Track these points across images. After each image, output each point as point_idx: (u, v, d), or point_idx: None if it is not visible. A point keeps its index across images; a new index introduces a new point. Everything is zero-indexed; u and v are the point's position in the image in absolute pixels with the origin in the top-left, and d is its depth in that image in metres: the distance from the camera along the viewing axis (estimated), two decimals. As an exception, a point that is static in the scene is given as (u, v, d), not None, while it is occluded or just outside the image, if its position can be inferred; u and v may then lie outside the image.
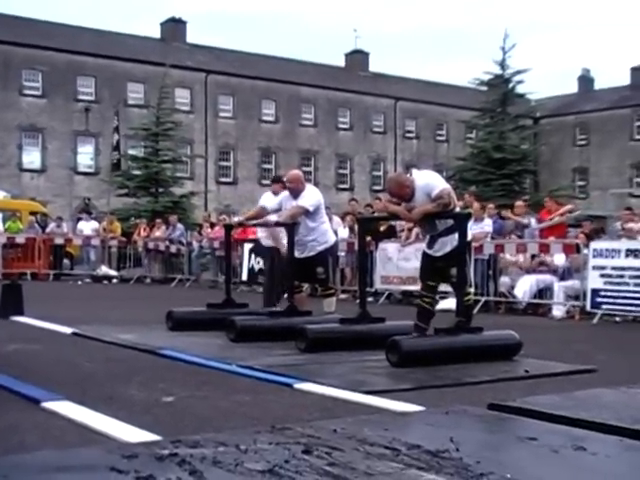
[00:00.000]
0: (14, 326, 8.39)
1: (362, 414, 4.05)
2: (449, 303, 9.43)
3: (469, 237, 6.72)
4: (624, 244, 10.69)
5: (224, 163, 41.54)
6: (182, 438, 3.26)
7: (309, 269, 7.97)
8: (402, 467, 2.90)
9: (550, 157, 40.64)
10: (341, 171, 45.01)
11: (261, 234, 10.19)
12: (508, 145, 28.76)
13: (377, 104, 45.78)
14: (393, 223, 13.05)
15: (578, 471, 3.02)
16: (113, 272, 19.63)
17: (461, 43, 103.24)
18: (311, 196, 8.05)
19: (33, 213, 22.46)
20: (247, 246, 16.36)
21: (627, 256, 10.35)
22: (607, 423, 3.64)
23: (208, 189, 38.06)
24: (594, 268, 10.65)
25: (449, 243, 6.45)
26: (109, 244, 20.16)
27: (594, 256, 10.68)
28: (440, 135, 48.19)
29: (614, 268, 10.44)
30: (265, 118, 42.59)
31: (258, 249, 14.27)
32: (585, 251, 10.99)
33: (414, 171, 6.79)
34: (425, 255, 6.75)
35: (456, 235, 6.30)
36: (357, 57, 48.96)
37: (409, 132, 47.36)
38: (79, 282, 18.87)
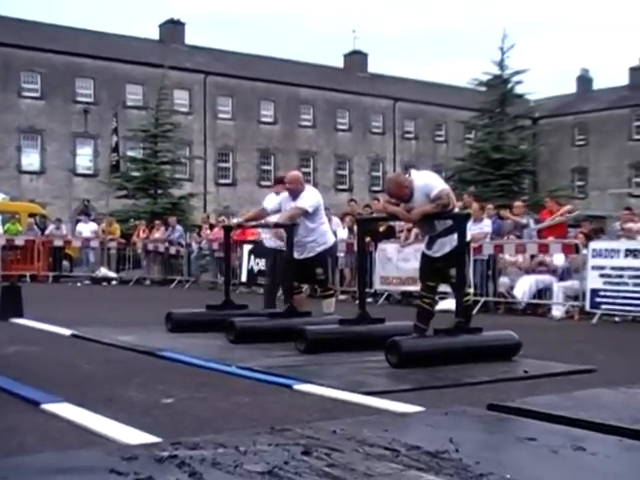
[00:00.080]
0: (13, 328, 8.39)
1: (361, 415, 4.05)
2: (448, 304, 9.43)
3: (468, 238, 6.72)
4: (623, 244, 10.70)
5: (223, 164, 41.55)
6: (182, 440, 3.26)
7: (308, 270, 7.97)
8: (402, 468, 2.90)
9: (549, 157, 40.65)
10: (340, 172, 45.03)
11: (264, 235, 10.18)
12: (507, 145, 28.75)
13: (376, 105, 45.80)
14: (392, 224, 13.06)
15: (577, 471, 3.02)
16: (112, 274, 19.63)
17: (460, 44, 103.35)
18: (310, 197, 8.06)
19: (32, 215, 22.49)
20: (246, 247, 16.37)
21: (626, 256, 10.36)
22: (606, 423, 3.64)
23: (207, 190, 38.06)
24: (593, 268, 10.65)
25: (448, 244, 6.45)
26: (108, 246, 20.16)
27: (593, 256, 10.69)
28: (439, 136, 48.21)
29: (613, 268, 10.44)
30: (264, 119, 42.61)
31: (261, 250, 14.26)
32: (584, 251, 11.00)
33: (413, 172, 6.79)
34: (424, 256, 6.75)
35: (455, 236, 6.30)
36: (356, 58, 48.99)
37: (408, 133, 47.38)
38: (78, 284, 18.87)
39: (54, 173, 36.78)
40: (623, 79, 49.94)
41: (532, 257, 12.04)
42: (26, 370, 5.48)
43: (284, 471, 2.81)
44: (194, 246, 18.54)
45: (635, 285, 10.17)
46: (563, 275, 11.51)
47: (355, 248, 11.54)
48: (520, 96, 31.11)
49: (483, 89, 31.03)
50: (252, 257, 16.17)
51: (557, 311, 11.17)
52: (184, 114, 37.79)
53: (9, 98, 35.80)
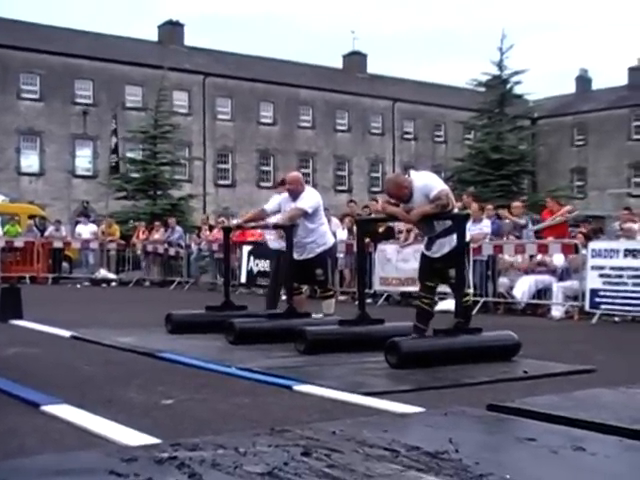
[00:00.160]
0: (13, 330, 8.39)
1: (361, 416, 4.05)
2: (448, 304, 9.43)
3: (467, 238, 6.72)
4: (622, 244, 10.70)
5: (222, 165, 41.56)
6: (181, 441, 3.26)
7: (308, 271, 7.98)
8: (401, 468, 2.90)
9: (548, 157, 40.66)
10: (339, 173, 45.03)
11: (269, 236, 10.19)
12: (506, 146, 28.76)
13: (375, 105, 45.81)
14: (391, 224, 13.06)
15: (577, 471, 3.02)
16: (112, 275, 19.63)
17: (459, 44, 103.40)
18: (310, 198, 8.06)
19: (32, 217, 22.48)
20: (246, 248, 16.37)
21: (626, 256, 10.36)
22: (606, 423, 3.65)
23: (206, 191, 38.06)
24: (593, 268, 10.65)
25: (447, 244, 6.45)
26: (108, 247, 20.16)
27: (593, 256, 10.69)
28: (438, 136, 48.22)
29: (613, 268, 10.44)
30: (263, 120, 42.61)
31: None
32: (584, 251, 11.00)
33: (412, 172, 6.79)
34: (423, 256, 6.75)
35: (454, 236, 6.31)
36: (355, 59, 49.01)
37: (407, 133, 47.38)
38: (78, 285, 18.86)
39: (53, 175, 36.78)
40: (622, 79, 50.03)
41: (531, 257, 12.04)
42: (26, 372, 5.48)
43: (284, 472, 2.82)
44: (194, 247, 18.54)
45: (634, 285, 10.17)
46: (562, 275, 11.51)
47: (354, 249, 11.54)
48: (519, 96, 31.12)
49: (482, 89, 31.05)
50: (252, 258, 16.17)
51: (557, 311, 11.17)
52: (183, 115, 37.78)
53: (8, 100, 35.79)
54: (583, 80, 52.67)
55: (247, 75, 41.24)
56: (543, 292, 11.59)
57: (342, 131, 45.21)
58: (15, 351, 6.59)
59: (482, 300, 11.78)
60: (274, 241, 9.76)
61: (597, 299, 10.53)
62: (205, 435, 3.50)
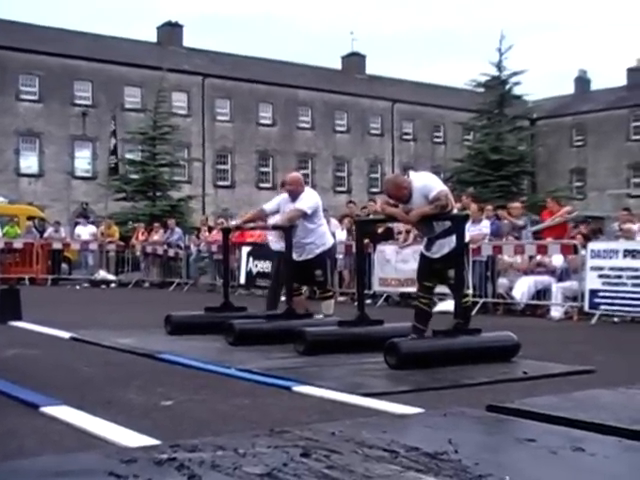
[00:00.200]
0: (12, 331, 8.38)
1: (360, 416, 4.05)
2: (447, 305, 9.43)
3: (467, 239, 6.72)
4: (622, 245, 10.70)
5: (221, 166, 41.56)
6: (181, 442, 3.26)
7: (307, 272, 7.99)
8: (401, 469, 2.90)
9: (547, 158, 40.68)
10: (338, 174, 45.04)
11: (271, 238, 10.19)
12: (505, 146, 28.75)
13: (374, 106, 45.82)
14: (391, 225, 13.05)
15: (577, 472, 3.02)
16: (111, 276, 19.62)
17: (458, 45, 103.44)
18: (309, 198, 8.07)
19: (31, 218, 22.46)
20: (245, 249, 16.36)
21: (625, 257, 10.36)
22: (606, 424, 3.65)
23: (206, 192, 38.04)
24: (592, 269, 10.66)
25: (447, 245, 6.45)
26: (107, 248, 20.15)
27: (592, 257, 10.69)
28: (437, 137, 48.24)
29: (612, 269, 10.44)
30: (262, 121, 42.61)
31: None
32: (583, 252, 11.00)
33: (411, 173, 6.80)
34: (423, 256, 6.75)
35: (454, 237, 6.31)
36: (354, 60, 49.02)
37: (406, 134, 47.39)
38: (77, 287, 18.84)
39: (52, 176, 36.78)
40: (621, 80, 50.12)
41: (531, 258, 12.05)
42: (25, 373, 5.48)
43: (283, 473, 2.81)
44: (193, 248, 18.53)
45: (634, 285, 10.17)
46: (562, 276, 11.51)
47: (354, 250, 11.53)
48: (518, 97, 31.11)
49: (481, 90, 31.05)
50: (251, 259, 16.16)
51: (556, 312, 11.17)
52: (182, 116, 37.78)
53: (7, 101, 35.80)
54: (582, 81, 52.72)
55: (246, 76, 41.25)
56: (542, 293, 11.59)
57: (341, 132, 45.23)
58: (14, 352, 6.58)
59: (481, 301, 11.78)
60: (276, 242, 9.76)
61: (596, 300, 10.54)
62: (204, 436, 3.50)
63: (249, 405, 4.49)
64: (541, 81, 70.51)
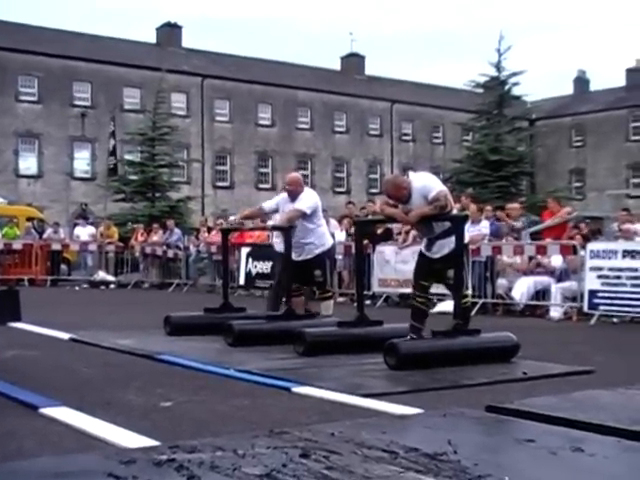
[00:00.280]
0: (11, 332, 8.38)
1: (360, 417, 4.05)
2: (447, 306, 9.43)
3: (466, 239, 6.71)
4: (621, 245, 10.70)
5: (221, 167, 41.55)
6: (180, 443, 3.26)
7: (307, 272, 7.99)
8: (400, 470, 2.90)
9: (546, 159, 40.68)
10: (338, 174, 45.04)
11: (275, 239, 10.19)
12: (504, 147, 28.76)
13: (373, 107, 45.82)
14: (390, 226, 13.05)
15: (576, 473, 3.02)
16: (110, 277, 19.62)
17: (457, 45, 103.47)
18: (308, 199, 8.08)
19: (30, 219, 22.45)
20: (245, 250, 16.36)
21: (624, 257, 10.36)
22: (605, 424, 3.65)
23: (205, 193, 38.03)
24: (591, 269, 10.66)
25: (447, 245, 6.45)
26: (106, 249, 20.15)
27: (591, 257, 10.69)
28: (436, 137, 48.24)
29: (611, 269, 10.45)
30: (261, 122, 42.61)
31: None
32: (582, 252, 11.00)
33: (411, 173, 6.80)
34: (423, 256, 6.74)
35: (454, 237, 6.31)
36: (353, 60, 49.02)
37: (405, 135, 47.40)
38: (76, 288, 18.85)
39: (52, 177, 36.77)
40: (620, 80, 50.08)
41: (530, 258, 12.05)
42: (24, 374, 5.47)
43: (282, 474, 2.81)
44: (192, 249, 18.53)
45: (633, 286, 10.17)
46: (561, 276, 11.52)
47: (353, 250, 11.53)
48: (517, 98, 31.12)
49: (480, 91, 31.05)
50: (250, 260, 16.16)
51: (555, 312, 11.17)
52: (181, 117, 37.79)
53: (6, 102, 35.79)
54: (581, 81, 52.74)
55: (245, 77, 41.25)
56: (542, 293, 11.60)
57: (340, 132, 45.23)
58: (13, 354, 6.58)
59: (481, 301, 11.79)
60: (280, 243, 9.76)
61: (596, 300, 10.54)
62: (204, 437, 3.50)
63: (248, 406, 4.49)
64: (540, 82, 70.55)
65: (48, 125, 36.57)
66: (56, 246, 19.97)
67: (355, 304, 7.50)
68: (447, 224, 6.44)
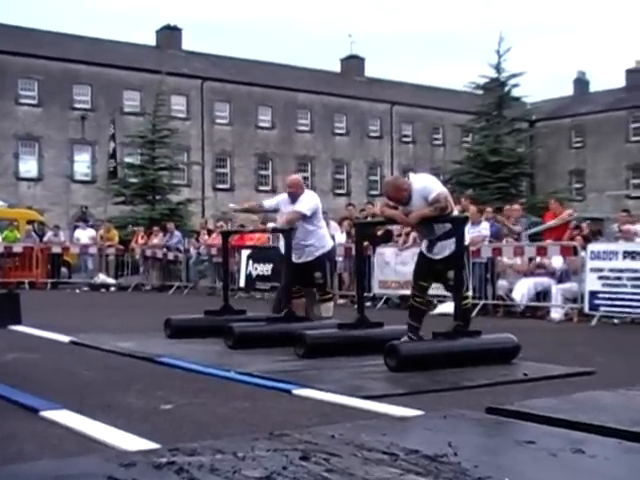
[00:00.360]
0: (12, 335, 8.38)
1: (360, 419, 4.04)
2: (447, 307, 9.43)
3: (467, 241, 6.71)
4: (621, 246, 10.70)
5: (221, 170, 41.57)
6: (180, 446, 3.25)
7: (307, 274, 7.99)
8: (400, 472, 2.90)
9: (546, 160, 40.69)
10: (338, 176, 45.06)
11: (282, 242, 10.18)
12: (504, 148, 28.80)
13: (373, 109, 45.85)
14: (390, 227, 13.05)
15: (577, 474, 3.01)
16: (111, 280, 19.62)
17: (457, 47, 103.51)
18: (308, 200, 8.09)
19: (30, 222, 22.45)
20: (245, 252, 16.36)
21: (625, 258, 10.36)
22: (606, 426, 3.64)
23: (205, 196, 38.07)
24: (592, 270, 10.65)
25: (448, 247, 6.45)
26: (106, 252, 20.15)
27: (592, 258, 10.69)
28: (436, 139, 48.27)
29: (612, 270, 10.44)
30: (261, 124, 42.64)
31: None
32: (582, 253, 11.00)
33: (411, 174, 6.80)
34: (423, 257, 6.73)
35: (454, 239, 6.31)
36: (353, 62, 49.06)
37: (405, 136, 47.42)
38: (77, 290, 18.85)
39: (52, 180, 36.79)
40: (620, 81, 50.15)
41: (530, 260, 12.04)
42: (25, 377, 5.47)
43: (282, 477, 2.81)
44: (192, 252, 18.53)
45: (633, 287, 10.17)
46: (562, 277, 11.51)
47: (353, 252, 11.53)
48: (517, 99, 31.18)
49: (480, 92, 31.10)
50: (250, 262, 16.16)
51: (556, 313, 11.17)
52: (181, 120, 37.83)
53: (6, 105, 35.82)
54: (581, 82, 52.77)
55: (245, 79, 41.28)
56: (542, 294, 11.59)
57: (340, 134, 45.26)
58: (14, 356, 6.58)
59: (481, 303, 11.78)
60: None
61: (596, 301, 10.54)
62: (204, 440, 3.50)
63: (249, 408, 4.49)
64: (540, 83, 70.58)
65: (48, 128, 36.59)
66: (56, 249, 19.97)
67: (355, 306, 7.50)
68: (447, 225, 6.44)
